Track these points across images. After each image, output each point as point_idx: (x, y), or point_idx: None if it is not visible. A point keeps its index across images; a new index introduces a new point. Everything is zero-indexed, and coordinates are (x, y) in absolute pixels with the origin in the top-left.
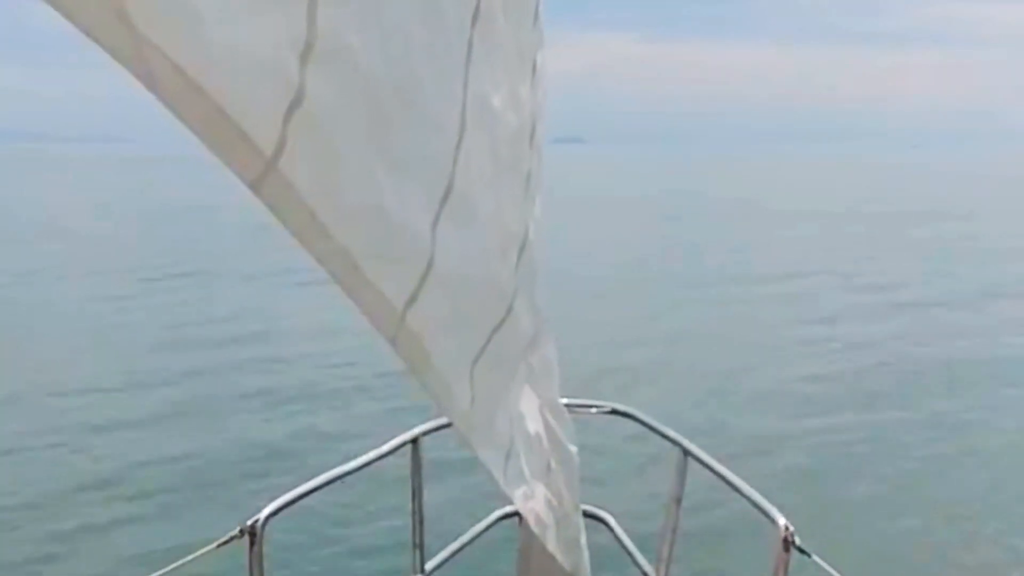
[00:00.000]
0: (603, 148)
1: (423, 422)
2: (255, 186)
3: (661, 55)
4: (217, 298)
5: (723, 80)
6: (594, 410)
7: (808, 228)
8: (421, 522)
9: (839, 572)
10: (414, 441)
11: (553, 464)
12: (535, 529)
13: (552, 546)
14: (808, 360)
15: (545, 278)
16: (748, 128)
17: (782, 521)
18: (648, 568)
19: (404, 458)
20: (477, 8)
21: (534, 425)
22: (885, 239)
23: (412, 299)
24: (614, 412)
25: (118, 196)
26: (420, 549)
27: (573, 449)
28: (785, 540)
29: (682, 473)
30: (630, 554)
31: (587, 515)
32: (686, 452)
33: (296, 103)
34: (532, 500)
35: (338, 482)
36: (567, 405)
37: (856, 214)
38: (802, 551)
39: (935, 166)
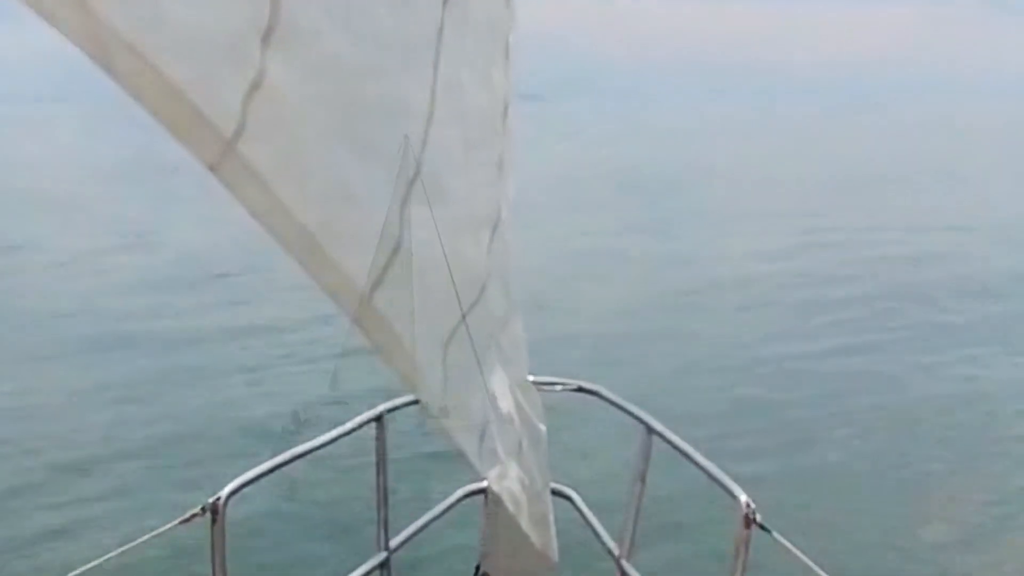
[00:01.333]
0: (563, 106)
1: (388, 399)
2: (213, 167)
3: (630, 10)
4: None
5: (698, 38)
6: (560, 387)
7: (782, 197)
8: (386, 499)
9: (798, 549)
10: (379, 419)
11: (524, 443)
12: (510, 508)
13: (525, 524)
14: (770, 344)
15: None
16: (718, 85)
17: (744, 498)
18: (611, 544)
19: (369, 435)
20: None
21: (506, 404)
22: (870, 208)
23: (379, 281)
24: (580, 390)
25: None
26: (384, 526)
27: (542, 427)
28: (746, 517)
29: (646, 450)
30: (594, 530)
31: (553, 492)
32: (650, 430)
33: (257, 84)
34: (506, 479)
35: (302, 459)
36: (534, 382)
37: (833, 179)
38: (763, 527)
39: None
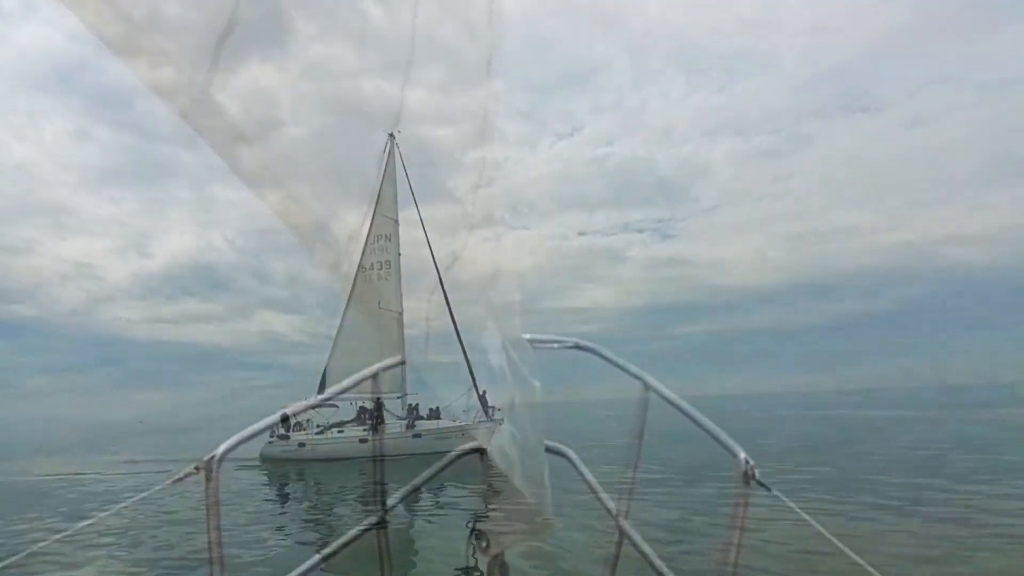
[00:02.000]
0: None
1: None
2: (186, 114)
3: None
4: None
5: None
6: (556, 345)
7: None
8: (382, 459)
9: (796, 505)
10: (374, 378)
11: (517, 400)
12: (501, 466)
13: (518, 482)
14: None
15: None
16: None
17: (742, 455)
18: (609, 502)
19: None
20: None
21: (497, 360)
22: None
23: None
24: (577, 347)
25: None
26: (381, 485)
27: (537, 384)
28: (745, 474)
29: (643, 408)
30: (591, 488)
31: (549, 450)
32: (647, 387)
33: (230, 30)
34: (499, 437)
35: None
36: (530, 340)
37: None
38: (762, 484)
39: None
